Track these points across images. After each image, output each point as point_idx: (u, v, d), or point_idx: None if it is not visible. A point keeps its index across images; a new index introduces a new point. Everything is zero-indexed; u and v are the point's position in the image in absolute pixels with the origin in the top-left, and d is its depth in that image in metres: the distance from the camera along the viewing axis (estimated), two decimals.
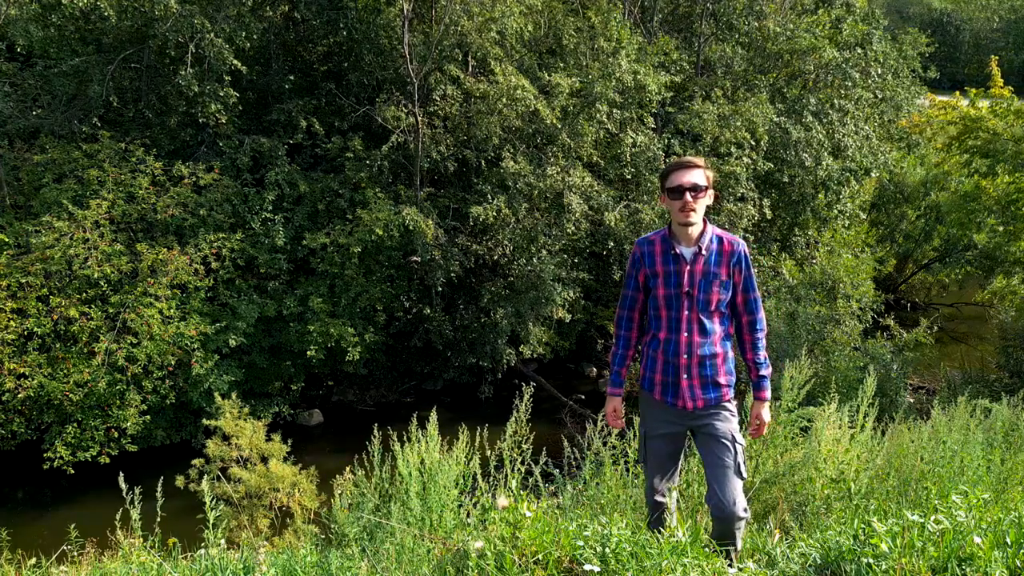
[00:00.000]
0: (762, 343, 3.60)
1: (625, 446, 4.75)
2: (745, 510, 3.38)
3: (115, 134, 13.46)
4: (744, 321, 3.60)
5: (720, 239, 3.50)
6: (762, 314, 3.62)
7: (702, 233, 3.49)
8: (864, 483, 4.30)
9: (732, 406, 3.56)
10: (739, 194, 15.43)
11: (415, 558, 3.48)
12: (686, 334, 3.48)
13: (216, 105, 13.12)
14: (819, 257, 16.93)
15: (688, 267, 3.46)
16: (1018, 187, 14.89)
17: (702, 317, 3.47)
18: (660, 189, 3.55)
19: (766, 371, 3.60)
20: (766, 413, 3.62)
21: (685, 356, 3.48)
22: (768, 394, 3.61)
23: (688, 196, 3.39)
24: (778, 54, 17.49)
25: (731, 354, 3.57)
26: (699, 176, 3.42)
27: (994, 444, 5.32)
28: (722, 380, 3.51)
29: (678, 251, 3.48)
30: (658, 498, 3.64)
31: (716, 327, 3.50)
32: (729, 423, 3.50)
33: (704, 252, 3.46)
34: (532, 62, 15.27)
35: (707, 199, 3.48)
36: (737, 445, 3.47)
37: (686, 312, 3.47)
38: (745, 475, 3.51)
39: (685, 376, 3.48)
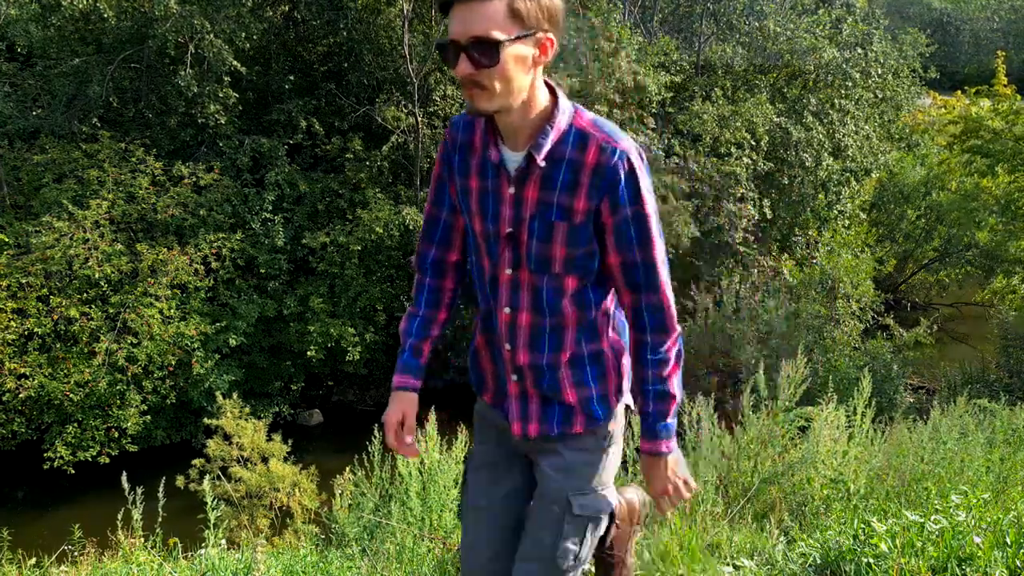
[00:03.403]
0: (666, 354, 1.81)
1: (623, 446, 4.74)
2: None
3: (115, 134, 13.46)
4: (627, 304, 1.81)
5: (582, 136, 1.69)
6: (665, 295, 1.78)
7: (542, 124, 1.69)
8: (863, 483, 4.30)
9: (593, 441, 1.90)
10: (739, 194, 15.43)
11: (415, 558, 3.49)
12: (508, 309, 1.83)
13: (216, 105, 13.13)
14: (819, 257, 16.94)
15: (510, 188, 1.74)
16: (1018, 186, 14.89)
17: (537, 282, 1.78)
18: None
19: (665, 405, 1.82)
20: (670, 475, 1.86)
21: (508, 346, 1.86)
22: (668, 445, 1.84)
23: (465, 64, 1.58)
24: (778, 54, 17.49)
25: (609, 353, 1.88)
26: (483, 17, 1.54)
27: (994, 444, 5.32)
28: (572, 396, 1.87)
29: (495, 156, 1.74)
30: None
31: (566, 302, 1.80)
32: (573, 474, 1.88)
33: (542, 162, 1.69)
34: None
35: (520, 71, 1.60)
36: (579, 517, 1.87)
37: (508, 270, 1.80)
38: (582, 564, 1.90)
39: (514, 378, 1.88)
